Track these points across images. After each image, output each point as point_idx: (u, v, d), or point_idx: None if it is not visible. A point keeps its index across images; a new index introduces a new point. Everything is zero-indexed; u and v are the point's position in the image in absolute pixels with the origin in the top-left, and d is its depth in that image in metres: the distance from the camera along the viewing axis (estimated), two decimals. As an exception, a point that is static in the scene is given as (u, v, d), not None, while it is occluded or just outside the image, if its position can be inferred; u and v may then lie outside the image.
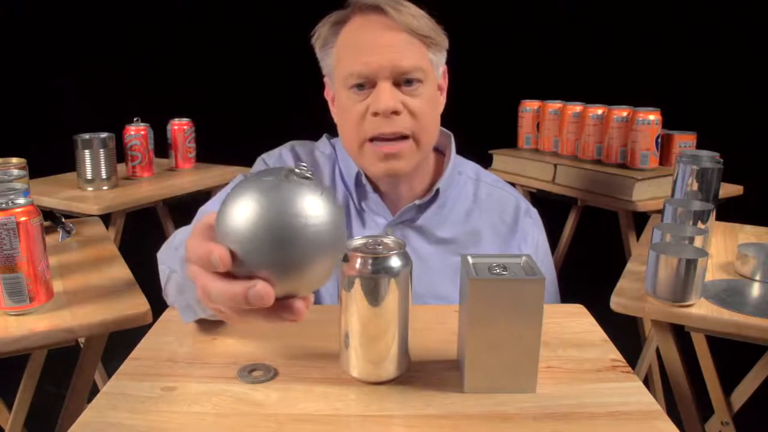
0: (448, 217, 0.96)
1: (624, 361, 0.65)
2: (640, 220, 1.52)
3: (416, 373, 0.62)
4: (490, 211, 0.98)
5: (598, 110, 1.76)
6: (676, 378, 1.05)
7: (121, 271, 1.03)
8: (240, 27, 2.91)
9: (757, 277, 0.99)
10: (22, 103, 2.66)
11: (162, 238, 0.55)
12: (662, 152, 1.68)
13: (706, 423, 1.24)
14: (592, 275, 1.68)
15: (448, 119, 1.00)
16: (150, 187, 1.69)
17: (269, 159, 1.00)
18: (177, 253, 0.66)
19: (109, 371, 1.37)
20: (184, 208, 1.63)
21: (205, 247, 0.45)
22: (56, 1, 2.70)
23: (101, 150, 1.58)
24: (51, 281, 0.88)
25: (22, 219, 0.81)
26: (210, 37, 2.89)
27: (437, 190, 0.94)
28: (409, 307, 0.59)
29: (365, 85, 0.87)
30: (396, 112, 0.86)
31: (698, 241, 0.92)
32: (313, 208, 0.45)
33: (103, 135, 1.59)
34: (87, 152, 1.57)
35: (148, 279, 0.93)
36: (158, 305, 0.80)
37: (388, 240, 0.59)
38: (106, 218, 1.49)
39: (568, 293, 0.95)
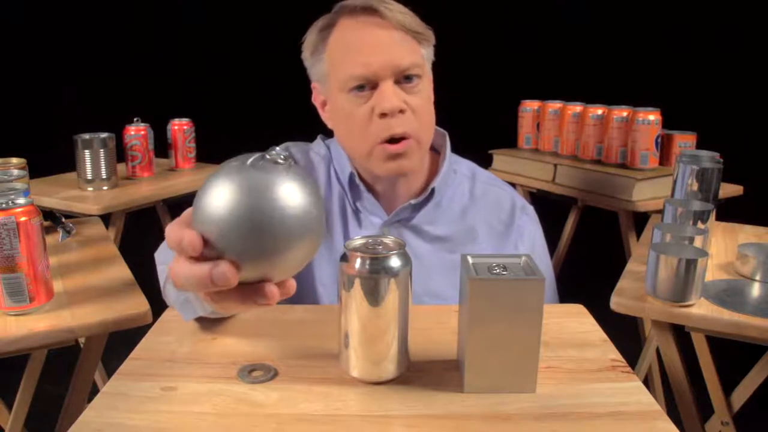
0: (443, 215, 0.96)
1: (624, 361, 0.65)
2: (640, 220, 1.52)
3: (416, 373, 0.62)
4: (486, 209, 0.98)
5: (598, 110, 1.76)
6: (676, 378, 1.05)
7: (121, 271, 1.03)
8: (240, 27, 2.91)
9: (757, 277, 0.99)
10: (22, 103, 2.67)
11: (162, 238, 0.55)
12: (662, 152, 1.68)
13: (706, 423, 1.24)
14: (592, 275, 1.69)
15: (448, 119, 1.00)
16: (150, 187, 1.69)
17: None
18: (172, 252, 0.66)
19: (109, 371, 1.36)
20: (184, 208, 1.62)
21: (178, 232, 0.46)
22: (56, 2, 2.71)
23: (101, 150, 1.58)
24: (51, 281, 0.88)
25: (22, 219, 0.81)
26: (210, 37, 2.90)
27: (433, 189, 0.94)
28: (409, 307, 0.59)
29: (366, 86, 0.87)
30: (402, 111, 0.86)
31: (698, 241, 0.92)
32: (281, 192, 0.45)
33: (103, 135, 1.59)
34: (87, 152, 1.57)
35: (148, 279, 0.93)
36: (158, 305, 0.80)
37: (388, 240, 0.59)
38: (106, 218, 1.49)
39: (568, 293, 0.95)
